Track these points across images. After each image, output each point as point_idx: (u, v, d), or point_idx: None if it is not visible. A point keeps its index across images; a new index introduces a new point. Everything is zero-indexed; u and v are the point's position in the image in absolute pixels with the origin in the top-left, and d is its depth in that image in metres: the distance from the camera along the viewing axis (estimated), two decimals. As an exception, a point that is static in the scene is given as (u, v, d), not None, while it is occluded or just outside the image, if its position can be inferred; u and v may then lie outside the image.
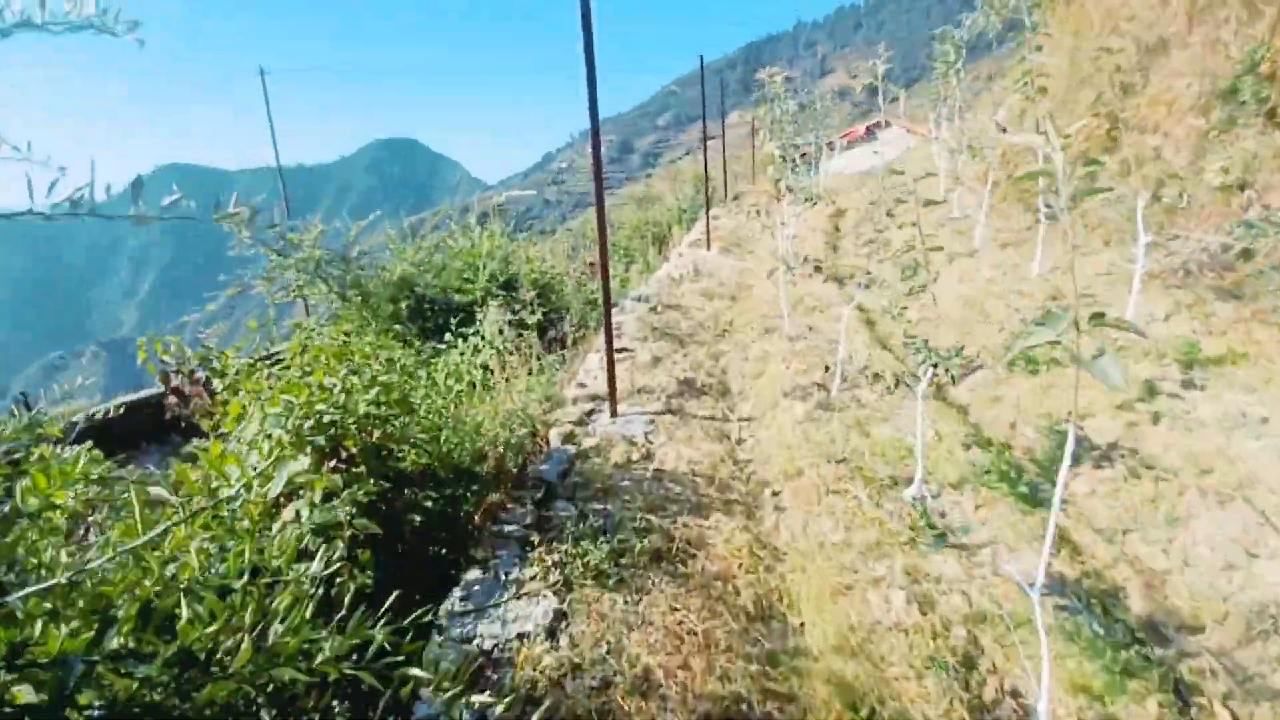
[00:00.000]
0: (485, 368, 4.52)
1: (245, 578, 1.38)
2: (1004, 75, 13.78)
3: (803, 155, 12.91)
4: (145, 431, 5.23)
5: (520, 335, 5.24)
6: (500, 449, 3.50)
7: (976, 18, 8.21)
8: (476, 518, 3.02)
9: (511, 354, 4.89)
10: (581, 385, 4.41)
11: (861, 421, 3.80)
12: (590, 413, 4.05)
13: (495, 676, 2.10)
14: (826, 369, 4.53)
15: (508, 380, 4.42)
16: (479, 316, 5.37)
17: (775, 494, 3.33)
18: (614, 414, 3.97)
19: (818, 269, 7.25)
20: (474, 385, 4.38)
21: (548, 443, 3.81)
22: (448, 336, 4.95)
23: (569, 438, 3.72)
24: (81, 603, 1.24)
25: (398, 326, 5.39)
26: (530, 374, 4.56)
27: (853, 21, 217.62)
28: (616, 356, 4.79)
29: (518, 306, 5.49)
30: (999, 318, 4.84)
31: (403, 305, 5.37)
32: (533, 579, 2.52)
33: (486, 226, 6.34)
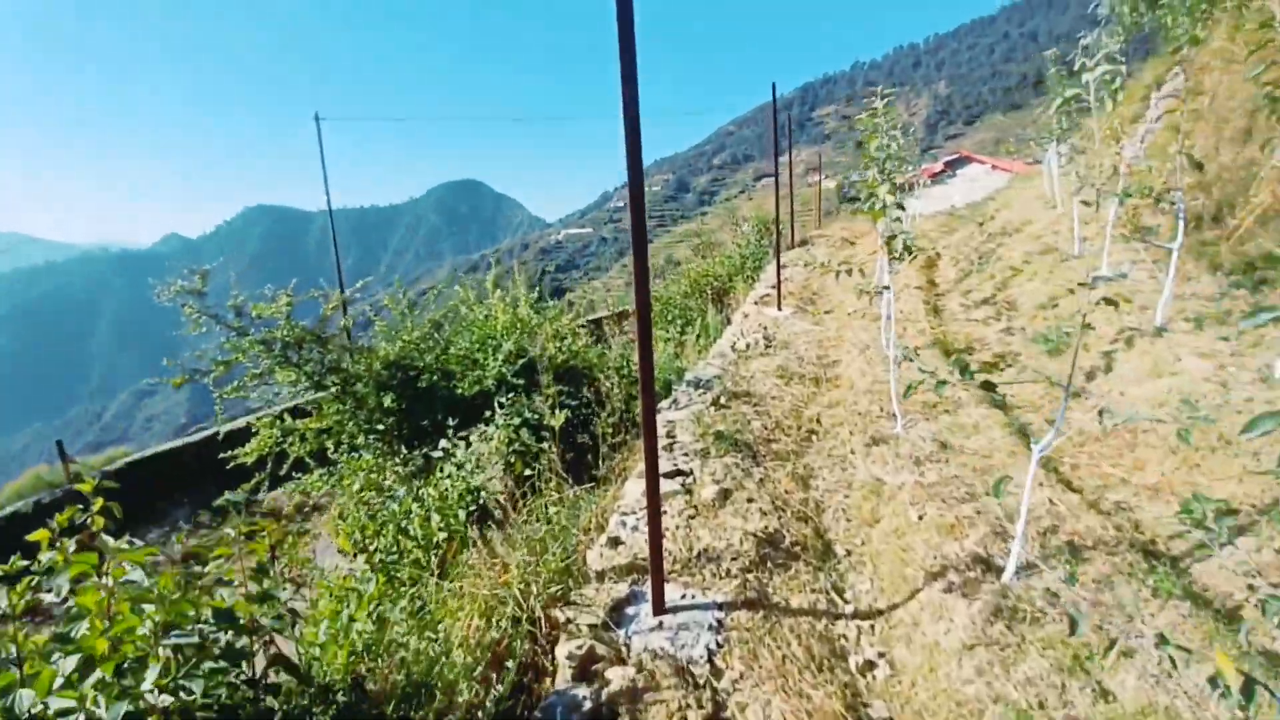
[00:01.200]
0: (480, 506, 3.21)
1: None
2: (1121, 101, 12.00)
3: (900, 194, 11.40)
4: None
5: (541, 440, 3.93)
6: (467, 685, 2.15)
7: (1100, 35, 6.68)
8: None
9: (527, 474, 3.58)
10: (615, 541, 3.00)
11: (1080, 657, 2.24)
12: (625, 601, 2.63)
13: None
14: (977, 512, 2.97)
15: (509, 527, 3.09)
16: (491, 412, 4.10)
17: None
18: (659, 607, 2.54)
19: (917, 352, 5.69)
20: (462, 534, 3.08)
21: (552, 659, 2.42)
22: (444, 443, 3.69)
23: (585, 661, 2.30)
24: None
25: (385, 423, 4.16)
26: (546, 511, 3.21)
27: (911, 60, 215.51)
28: (667, 484, 3.37)
29: (539, 398, 4.19)
30: (1251, 447, 3.18)
31: (389, 398, 4.13)
32: None
33: (508, 289, 5.10)
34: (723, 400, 4.68)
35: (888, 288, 5.17)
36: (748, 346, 6.23)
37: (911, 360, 3.86)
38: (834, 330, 6.79)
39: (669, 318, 7.56)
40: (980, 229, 9.43)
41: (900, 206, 4.32)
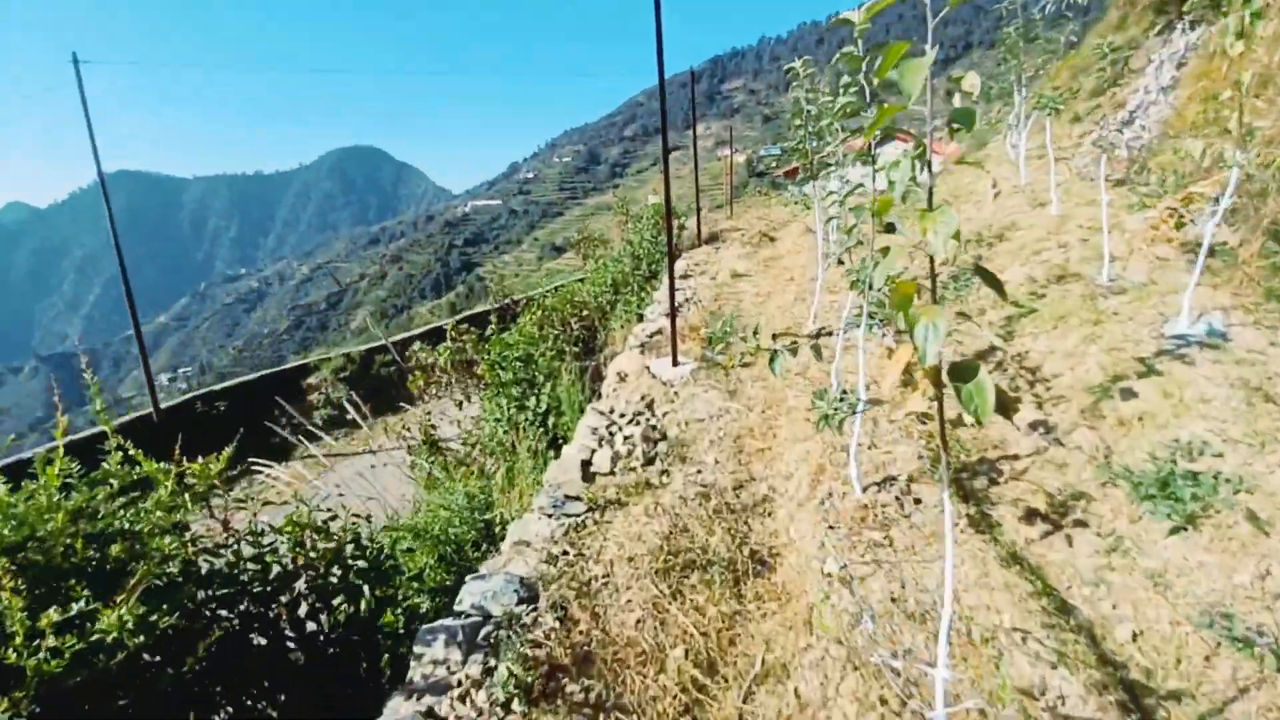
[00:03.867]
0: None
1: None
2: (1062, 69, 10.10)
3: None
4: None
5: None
6: None
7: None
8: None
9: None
10: None
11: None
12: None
13: None
14: None
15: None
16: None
17: None
18: None
19: (918, 502, 3.21)
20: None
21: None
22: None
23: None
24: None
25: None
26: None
27: (815, 36, 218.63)
28: None
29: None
30: None
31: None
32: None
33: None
34: (517, 688, 1.96)
35: (856, 407, 2.68)
36: (614, 460, 3.54)
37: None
38: (760, 410, 4.21)
39: (499, 390, 4.61)
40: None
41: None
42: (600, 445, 3.71)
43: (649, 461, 3.56)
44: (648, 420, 4.07)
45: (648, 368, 4.94)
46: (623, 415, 4.17)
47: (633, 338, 5.53)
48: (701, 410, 4.21)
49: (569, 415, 4.45)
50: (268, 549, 2.28)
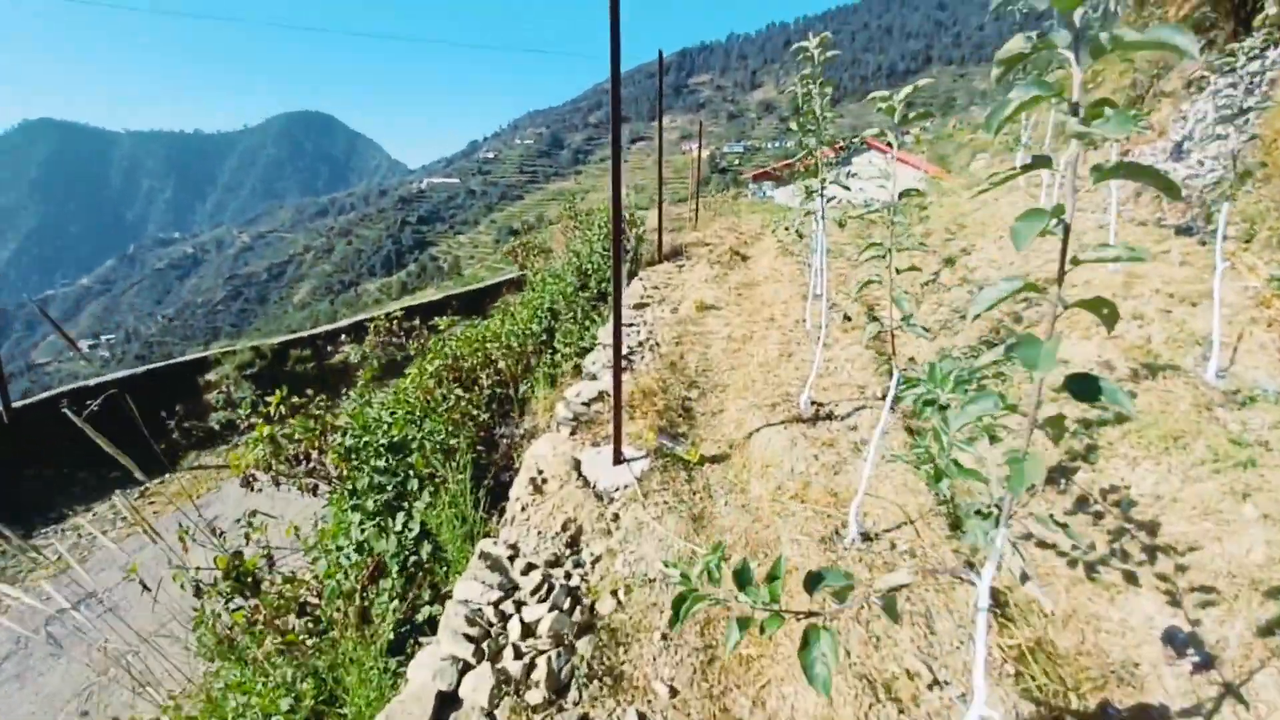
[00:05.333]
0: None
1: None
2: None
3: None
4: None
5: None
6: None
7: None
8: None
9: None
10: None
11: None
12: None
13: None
14: None
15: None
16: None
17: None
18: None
19: None
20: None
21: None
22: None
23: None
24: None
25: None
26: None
27: (783, 38, 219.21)
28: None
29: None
30: None
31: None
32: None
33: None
34: None
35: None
36: (497, 693, 2.04)
37: None
38: (742, 557, 2.77)
39: (351, 495, 3.08)
40: (949, 270, 5.89)
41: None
42: (477, 650, 2.20)
43: (558, 691, 2.08)
44: (564, 580, 2.59)
45: (578, 464, 3.44)
46: (530, 563, 2.68)
47: (563, 406, 3.99)
48: (652, 556, 2.75)
49: (452, 549, 2.91)
50: None
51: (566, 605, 2.45)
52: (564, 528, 2.94)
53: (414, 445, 3.23)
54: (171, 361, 14.63)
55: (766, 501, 3.14)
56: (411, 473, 3.11)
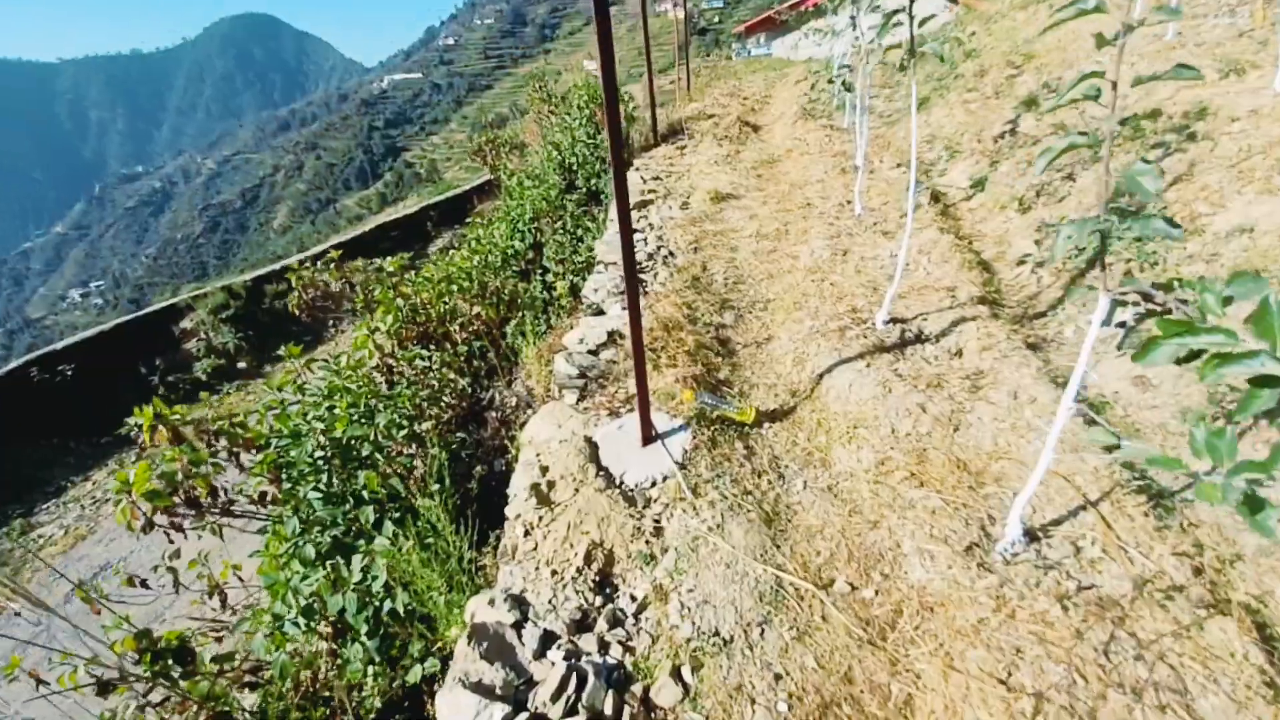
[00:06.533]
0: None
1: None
2: None
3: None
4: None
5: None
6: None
7: None
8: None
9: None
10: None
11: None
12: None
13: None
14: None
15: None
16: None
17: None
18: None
19: None
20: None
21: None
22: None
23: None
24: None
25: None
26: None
27: None
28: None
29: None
30: None
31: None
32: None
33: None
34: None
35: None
36: None
37: None
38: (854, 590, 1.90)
39: (295, 535, 2.25)
40: (1033, 113, 4.59)
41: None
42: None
43: None
44: (599, 654, 1.75)
45: (595, 450, 2.51)
46: (548, 632, 1.83)
47: (563, 361, 2.99)
48: (721, 594, 1.88)
49: (435, 605, 2.06)
50: None
51: (609, 709, 1.61)
52: (588, 559, 2.06)
53: (366, 450, 2.31)
54: (140, 313, 13.57)
55: (865, 483, 2.23)
56: (366, 494, 2.21)
